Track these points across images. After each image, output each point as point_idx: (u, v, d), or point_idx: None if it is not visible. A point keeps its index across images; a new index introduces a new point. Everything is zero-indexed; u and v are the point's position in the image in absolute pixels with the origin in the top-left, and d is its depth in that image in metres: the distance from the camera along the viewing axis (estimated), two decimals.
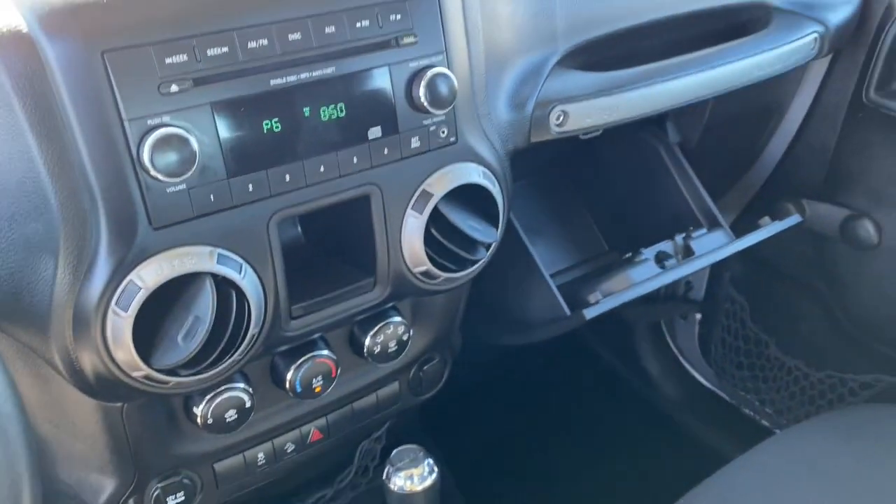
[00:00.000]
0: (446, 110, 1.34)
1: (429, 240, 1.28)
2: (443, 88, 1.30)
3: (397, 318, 1.48)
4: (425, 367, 1.70)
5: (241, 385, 1.34)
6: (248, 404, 1.33)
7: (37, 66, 0.94)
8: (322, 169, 1.16)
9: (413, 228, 1.30)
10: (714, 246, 1.71)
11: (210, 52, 1.02)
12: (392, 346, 1.50)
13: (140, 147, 0.99)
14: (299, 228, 1.37)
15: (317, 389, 1.43)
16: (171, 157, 1.00)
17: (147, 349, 1.09)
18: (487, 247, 1.33)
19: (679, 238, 1.72)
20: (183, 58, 1.00)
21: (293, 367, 1.38)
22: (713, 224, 1.79)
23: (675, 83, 1.69)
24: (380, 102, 1.20)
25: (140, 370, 1.09)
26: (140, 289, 1.07)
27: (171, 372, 1.11)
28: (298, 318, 1.27)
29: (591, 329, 2.38)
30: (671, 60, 1.69)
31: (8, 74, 0.94)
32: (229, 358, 1.15)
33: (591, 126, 1.60)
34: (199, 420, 1.29)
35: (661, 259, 1.71)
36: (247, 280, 1.15)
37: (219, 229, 1.10)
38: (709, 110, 2.07)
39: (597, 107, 1.60)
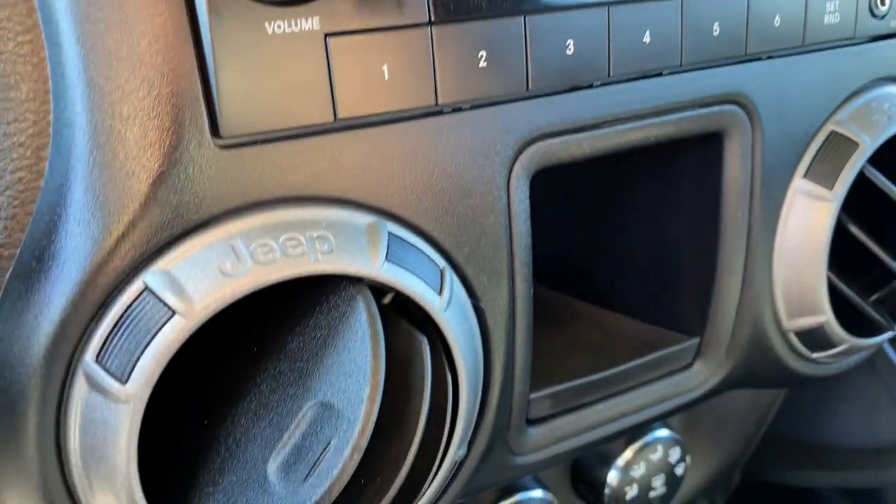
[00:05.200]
0: None
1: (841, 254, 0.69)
2: None
3: (665, 434, 0.93)
4: None
5: None
6: None
7: None
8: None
9: (807, 219, 0.66)
10: None
11: None
12: (657, 486, 0.93)
13: None
14: None
15: None
16: None
17: (177, 494, 0.46)
18: None
19: None
20: None
21: None
22: None
23: None
24: None
25: None
26: (170, 316, 0.43)
27: None
28: (539, 423, 0.65)
29: None
30: None
31: None
32: None
33: None
34: None
35: None
36: (454, 312, 0.51)
37: None
38: None
39: None
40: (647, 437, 0.92)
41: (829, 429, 1.23)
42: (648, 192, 0.70)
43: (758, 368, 0.73)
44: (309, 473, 0.43)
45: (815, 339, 0.71)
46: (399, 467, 0.45)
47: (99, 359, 0.43)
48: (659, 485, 0.94)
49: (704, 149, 0.64)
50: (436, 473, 0.50)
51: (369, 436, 0.43)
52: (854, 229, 0.67)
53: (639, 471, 0.92)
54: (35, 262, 0.43)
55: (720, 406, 1.00)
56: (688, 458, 0.96)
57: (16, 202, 0.43)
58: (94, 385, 0.43)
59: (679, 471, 0.95)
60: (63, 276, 0.43)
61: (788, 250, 0.67)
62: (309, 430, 0.44)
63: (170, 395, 0.47)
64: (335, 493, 0.43)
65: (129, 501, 0.44)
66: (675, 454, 0.94)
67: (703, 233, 0.66)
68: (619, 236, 0.74)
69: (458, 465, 0.56)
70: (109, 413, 0.42)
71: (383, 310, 0.48)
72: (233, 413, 0.47)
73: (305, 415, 0.45)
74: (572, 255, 0.80)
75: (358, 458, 0.43)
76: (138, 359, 0.42)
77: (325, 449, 0.43)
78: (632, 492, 0.92)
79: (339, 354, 0.45)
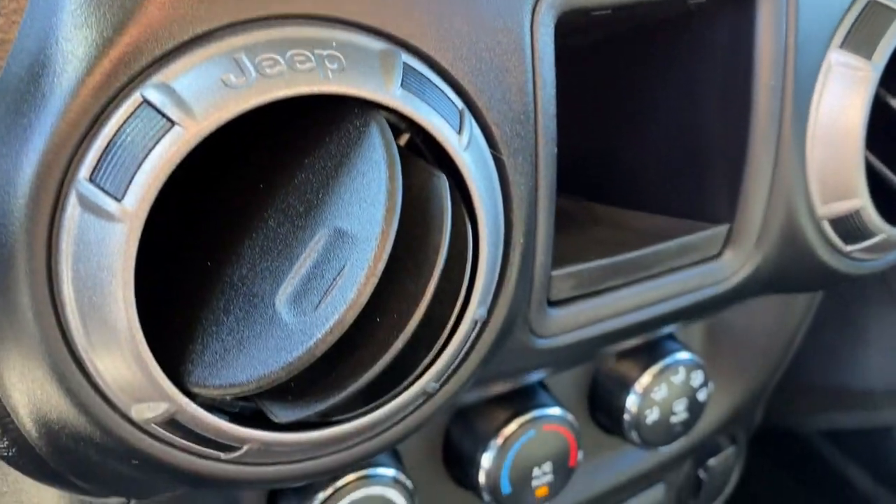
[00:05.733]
0: None
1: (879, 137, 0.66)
2: None
3: (687, 356, 0.89)
4: (710, 462, 1.09)
5: (391, 472, 0.74)
6: None
7: None
8: None
9: (843, 92, 0.63)
10: None
11: None
12: (678, 411, 0.90)
13: None
14: None
15: (539, 492, 0.83)
16: None
17: (176, 336, 0.44)
18: None
19: None
20: None
21: (496, 442, 0.79)
22: None
23: None
24: None
25: (157, 396, 0.43)
26: (169, 127, 0.40)
27: (255, 415, 0.47)
28: (561, 304, 0.63)
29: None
30: None
31: None
32: (422, 374, 0.48)
33: None
34: None
35: None
36: (474, 156, 0.48)
37: None
38: None
39: None
40: (667, 360, 0.89)
41: (851, 371, 1.20)
42: (672, 68, 0.67)
43: (790, 262, 0.70)
44: (320, 301, 0.40)
45: (849, 227, 0.68)
46: (417, 303, 0.42)
47: (93, 177, 0.40)
48: (681, 410, 0.91)
49: (736, 13, 0.61)
50: (456, 325, 0.47)
51: (385, 261, 0.40)
52: (894, 102, 0.64)
53: (660, 393, 0.89)
54: (25, 72, 0.40)
55: (743, 331, 0.98)
56: (710, 385, 0.93)
57: (4, 10, 0.41)
58: (87, 205, 0.40)
59: (701, 396, 0.92)
60: (55, 87, 0.40)
61: (823, 127, 0.64)
62: (320, 259, 0.41)
63: (171, 239, 0.44)
64: (348, 321, 0.40)
65: (125, 337, 0.41)
66: (697, 378, 0.91)
67: (734, 107, 0.64)
68: (640, 126, 0.72)
69: (480, 331, 0.53)
70: (104, 234, 0.39)
71: (398, 150, 0.45)
72: (238, 251, 0.44)
73: (317, 244, 0.42)
74: (588, 155, 0.77)
75: (373, 283, 0.40)
76: (135, 174, 0.39)
77: (337, 275, 0.40)
78: (652, 415, 0.89)
79: (352, 181, 0.42)
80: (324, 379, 0.43)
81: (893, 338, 1.17)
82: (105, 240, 0.39)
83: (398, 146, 0.45)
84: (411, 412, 0.52)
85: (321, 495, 0.72)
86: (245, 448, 0.45)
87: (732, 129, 0.64)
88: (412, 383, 0.48)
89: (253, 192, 0.44)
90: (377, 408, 0.47)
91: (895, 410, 1.19)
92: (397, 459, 0.79)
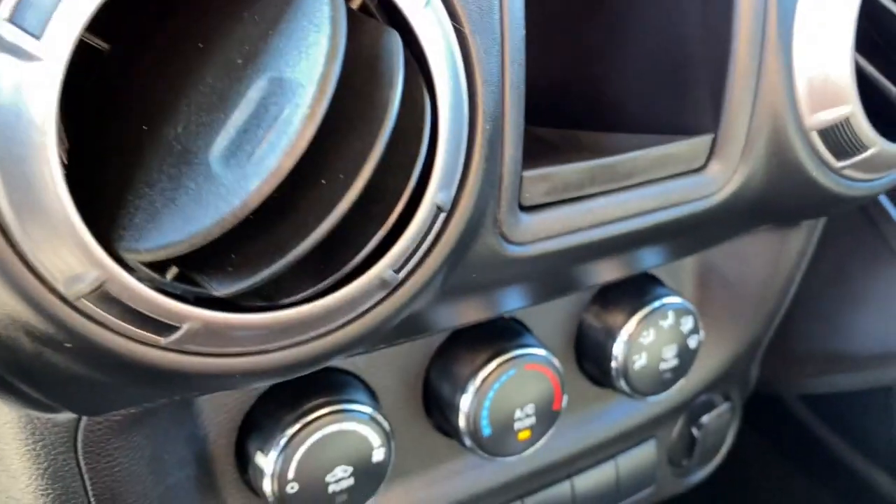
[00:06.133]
0: None
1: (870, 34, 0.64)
2: None
3: (676, 301, 0.87)
4: (703, 419, 1.04)
5: (368, 409, 0.71)
6: (379, 456, 0.70)
7: None
8: None
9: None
10: None
11: None
12: (668, 357, 0.87)
13: None
14: None
15: (521, 436, 0.79)
16: None
17: (106, 201, 0.41)
18: None
19: None
20: None
21: (475, 383, 0.76)
22: None
23: None
24: None
25: (86, 261, 0.39)
26: None
27: (197, 298, 0.44)
28: (533, 210, 0.59)
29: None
30: None
31: None
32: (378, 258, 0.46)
33: None
34: (269, 489, 0.66)
35: None
36: (432, 19, 0.45)
37: None
38: None
39: None
40: (655, 304, 0.86)
41: (849, 333, 1.16)
42: None
43: (778, 179, 0.66)
44: (254, 150, 0.37)
45: (839, 139, 0.64)
46: (364, 162, 0.39)
47: (12, 18, 0.37)
48: (670, 356, 0.87)
49: None
50: (414, 207, 0.44)
51: (325, 106, 0.37)
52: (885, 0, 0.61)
53: (648, 338, 0.85)
54: None
55: (735, 278, 0.94)
56: (701, 332, 0.90)
57: None
58: (5, 47, 0.37)
59: (692, 343, 0.88)
60: None
61: (811, 28, 0.60)
62: (257, 109, 0.38)
63: (105, 100, 0.41)
64: (285, 169, 0.37)
65: (50, 193, 0.38)
66: (687, 323, 0.87)
67: (716, 7, 0.60)
68: (620, 42, 0.68)
69: (444, 222, 0.49)
70: (23, 77, 0.36)
71: (349, 13, 0.42)
72: (174, 110, 0.41)
73: (254, 94, 0.39)
74: (569, 83, 0.74)
75: (312, 129, 0.37)
76: (54, 10, 0.36)
77: (274, 122, 0.37)
78: (640, 361, 0.85)
79: (292, 30, 0.39)
80: (265, 245, 0.40)
81: (892, 297, 1.13)
82: (25, 82, 0.36)
83: (349, 8, 0.43)
84: (371, 307, 0.49)
85: (290, 431, 0.69)
86: (184, 328, 0.42)
87: (714, 31, 0.60)
88: (367, 267, 0.45)
89: (190, 48, 0.41)
90: (329, 291, 0.44)
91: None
92: (375, 400, 0.76)
